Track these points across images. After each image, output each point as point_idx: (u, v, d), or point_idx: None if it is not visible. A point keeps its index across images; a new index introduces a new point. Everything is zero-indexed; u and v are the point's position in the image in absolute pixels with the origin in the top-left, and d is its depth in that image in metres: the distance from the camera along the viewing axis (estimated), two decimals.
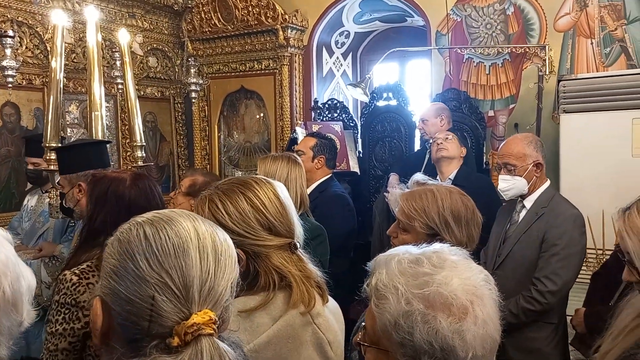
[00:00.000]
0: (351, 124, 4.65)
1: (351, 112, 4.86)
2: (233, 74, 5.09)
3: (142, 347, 0.75)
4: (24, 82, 4.05)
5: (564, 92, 3.58)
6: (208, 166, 5.31)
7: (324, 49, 5.04)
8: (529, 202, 2.50)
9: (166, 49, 5.27)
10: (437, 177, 3.11)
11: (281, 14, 4.63)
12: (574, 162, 3.44)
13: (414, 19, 4.81)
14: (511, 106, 4.16)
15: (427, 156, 3.57)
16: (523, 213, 2.52)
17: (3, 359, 0.94)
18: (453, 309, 0.86)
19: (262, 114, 5.10)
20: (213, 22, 5.01)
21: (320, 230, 2.65)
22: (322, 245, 2.62)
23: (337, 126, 4.32)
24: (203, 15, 5.05)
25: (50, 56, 4.15)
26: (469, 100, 4.14)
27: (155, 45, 5.15)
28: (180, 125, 5.50)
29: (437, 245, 0.98)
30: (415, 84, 5.18)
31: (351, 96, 5.22)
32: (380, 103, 4.43)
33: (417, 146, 4.23)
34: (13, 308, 0.94)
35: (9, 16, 3.96)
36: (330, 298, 1.42)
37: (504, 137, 4.05)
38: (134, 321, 0.76)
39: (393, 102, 4.39)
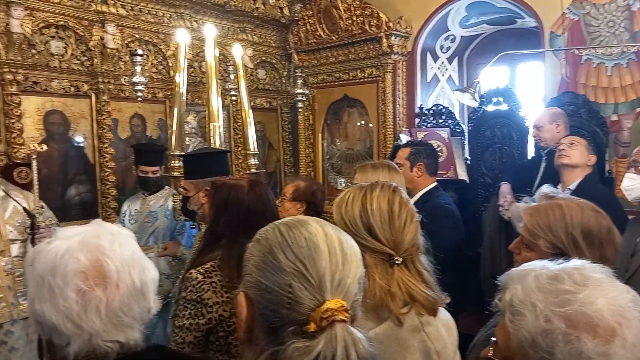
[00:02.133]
0: (458, 130, 4.53)
1: (457, 117, 4.73)
2: (337, 83, 5.19)
3: (281, 335, 0.81)
4: (149, 96, 4.44)
5: None
6: (312, 173, 5.45)
7: (428, 54, 4.97)
8: None
9: (274, 61, 5.51)
10: (558, 187, 2.92)
11: (385, 21, 4.64)
12: None
13: (525, 20, 4.59)
14: (637, 110, 3.81)
15: (543, 164, 3.37)
16: None
17: (137, 341, 1.06)
18: (599, 330, 0.81)
19: (364, 122, 5.14)
20: (318, 34, 5.15)
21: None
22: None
23: (444, 132, 4.22)
24: (309, 27, 5.21)
25: (173, 71, 4.54)
26: (588, 103, 3.85)
27: (264, 58, 5.41)
28: (287, 134, 5.71)
29: (577, 262, 0.92)
30: (527, 88, 4.93)
31: (457, 101, 5.09)
32: (490, 108, 4.26)
33: (530, 153, 4.01)
34: (142, 296, 1.06)
35: (137, 36, 4.37)
36: (445, 312, 1.41)
37: (629, 144, 3.72)
38: (274, 309, 0.82)
39: (503, 107, 4.20)
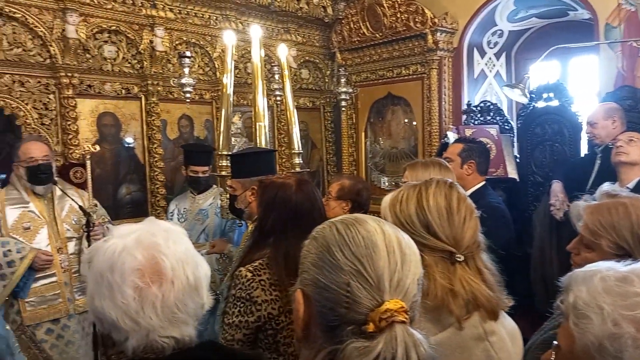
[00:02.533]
0: (506, 127, 4.41)
1: (506, 114, 4.60)
2: (380, 81, 5.15)
3: (338, 334, 0.80)
4: (197, 97, 4.53)
5: None
6: (355, 172, 5.43)
7: (475, 50, 4.86)
8: None
9: (317, 60, 5.52)
10: (615, 185, 2.79)
11: (430, 17, 4.57)
12: None
13: (578, 12, 4.41)
14: None
15: (598, 162, 3.23)
16: None
17: (191, 337, 1.07)
18: None
19: (408, 120, 5.08)
20: (362, 32, 5.13)
21: None
22: None
23: (493, 130, 4.10)
24: (352, 26, 5.19)
25: (219, 73, 4.62)
26: None
27: (307, 58, 5.43)
28: (329, 133, 5.71)
29: None
30: (579, 83, 4.74)
31: (505, 98, 4.95)
32: (540, 104, 4.12)
33: (583, 151, 3.85)
34: (196, 292, 1.08)
35: (184, 39, 4.47)
36: (509, 319, 1.34)
37: None
38: (331, 307, 0.81)
39: (554, 103, 4.06)
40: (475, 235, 1.31)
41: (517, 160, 4.28)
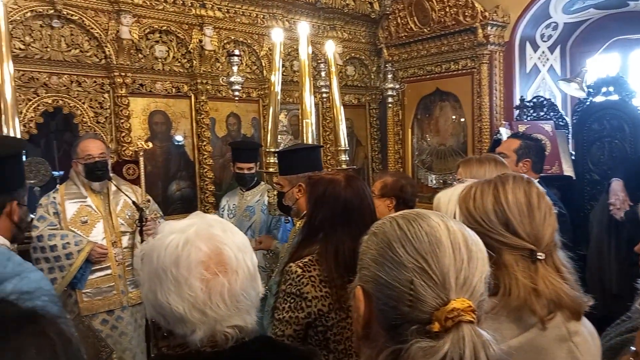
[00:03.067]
0: (561, 123, 4.23)
1: (560, 109, 4.42)
2: (428, 76, 5.06)
3: (401, 333, 0.77)
4: (244, 95, 4.58)
5: None
6: (401, 169, 5.35)
7: (527, 43, 4.69)
8: None
9: (363, 57, 5.48)
10: None
11: (480, 11, 4.45)
12: None
13: (639, 2, 4.18)
14: None
15: None
16: None
17: (254, 325, 1.08)
18: None
19: (457, 116, 4.96)
20: (409, 27, 5.05)
21: None
22: None
23: (548, 125, 3.95)
24: (399, 21, 5.12)
25: (266, 71, 4.66)
26: None
27: (353, 54, 5.40)
28: (375, 130, 5.66)
29: None
30: None
31: (560, 93, 4.76)
32: (598, 98, 3.93)
33: None
34: (255, 280, 1.09)
35: (232, 37, 4.53)
36: (587, 320, 1.27)
37: None
38: (394, 306, 0.79)
39: (614, 97, 3.86)
40: (554, 233, 1.25)
41: (573, 157, 4.10)
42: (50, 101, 3.67)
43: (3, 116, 2.23)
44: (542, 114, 4.31)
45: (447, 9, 4.67)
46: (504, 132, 3.86)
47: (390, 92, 4.47)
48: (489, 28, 4.44)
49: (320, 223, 1.92)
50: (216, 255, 1.04)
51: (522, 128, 3.84)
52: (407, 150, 5.36)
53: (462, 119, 4.87)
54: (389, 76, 4.50)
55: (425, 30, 4.92)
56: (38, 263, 2.86)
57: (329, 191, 1.94)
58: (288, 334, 1.83)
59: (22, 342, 0.46)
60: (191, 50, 4.26)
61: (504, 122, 4.29)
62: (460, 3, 4.57)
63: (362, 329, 0.86)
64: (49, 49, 3.64)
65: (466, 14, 4.53)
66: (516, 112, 4.52)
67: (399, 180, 2.81)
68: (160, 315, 1.05)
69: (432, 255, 0.79)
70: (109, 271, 3.11)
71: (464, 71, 4.73)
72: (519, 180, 1.29)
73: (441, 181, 5.04)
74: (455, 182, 2.26)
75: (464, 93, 4.75)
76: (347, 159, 3.48)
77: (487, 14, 4.42)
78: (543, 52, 4.84)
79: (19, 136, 2.31)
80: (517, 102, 4.56)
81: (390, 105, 5.05)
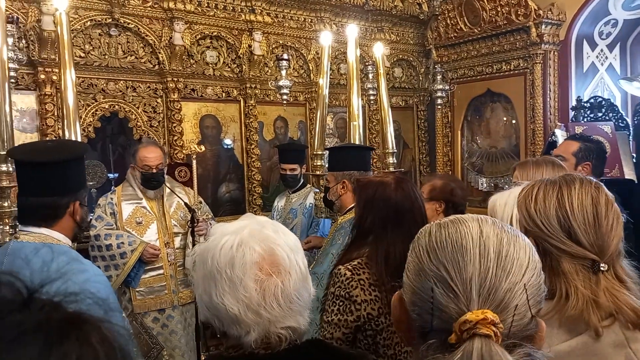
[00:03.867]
0: (621, 124, 4.04)
1: (620, 110, 4.22)
2: (479, 77, 4.94)
3: (430, 343, 0.75)
4: (291, 99, 4.62)
5: None
6: (450, 172, 5.25)
7: (584, 41, 4.51)
8: None
9: (411, 58, 5.42)
10: None
11: (534, 9, 4.31)
12: None
13: None
14: None
15: None
16: None
17: (306, 326, 1.08)
18: None
19: (509, 117, 4.82)
20: (459, 27, 4.96)
21: None
22: None
23: (607, 127, 3.77)
24: (449, 22, 5.04)
25: (313, 75, 4.69)
26: None
27: (400, 56, 5.35)
28: (423, 132, 5.58)
29: None
30: None
31: (619, 92, 4.54)
32: None
33: None
34: (307, 281, 1.10)
35: (281, 42, 4.58)
36: None
37: None
38: (419, 313, 0.77)
39: None
40: (620, 243, 1.17)
41: (634, 160, 3.90)
42: (107, 106, 3.82)
43: (65, 120, 2.34)
44: (600, 114, 4.13)
45: (499, 9, 4.56)
46: (560, 134, 3.71)
47: (439, 94, 4.40)
48: (543, 27, 4.30)
49: (370, 225, 1.90)
50: (270, 256, 1.05)
51: (579, 129, 3.68)
52: (457, 152, 5.25)
53: (514, 121, 4.73)
54: (439, 77, 4.44)
55: (475, 30, 4.81)
56: (95, 261, 2.98)
57: (379, 193, 1.92)
58: (337, 336, 1.82)
59: (64, 352, 0.46)
60: (241, 55, 4.33)
61: (559, 124, 4.13)
62: (512, 2, 4.45)
63: (403, 334, 0.85)
64: (106, 56, 3.79)
65: (519, 12, 4.41)
66: (572, 113, 4.35)
67: (449, 183, 2.75)
68: (215, 316, 1.06)
69: (453, 263, 0.75)
70: (161, 271, 3.19)
71: (516, 71, 4.60)
72: (587, 184, 1.20)
73: (492, 184, 4.91)
74: (510, 186, 2.19)
75: (516, 94, 4.62)
76: (395, 161, 3.45)
77: (541, 12, 4.28)
78: (601, 50, 4.64)
79: (79, 140, 2.41)
80: (573, 102, 4.39)
81: (439, 106, 4.97)
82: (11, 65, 2.59)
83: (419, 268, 0.78)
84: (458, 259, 0.75)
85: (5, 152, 2.01)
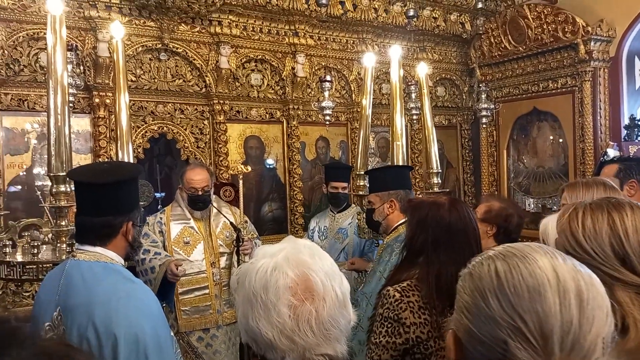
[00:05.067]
0: None
1: None
2: (524, 95, 4.85)
3: None
4: (333, 119, 4.64)
5: None
6: (495, 192, 5.14)
7: (636, 58, 4.37)
8: None
9: (454, 77, 5.38)
10: None
11: (582, 26, 4.21)
12: None
13: None
14: None
15: None
16: None
17: (344, 354, 1.04)
18: None
19: (557, 136, 4.70)
20: (503, 46, 4.90)
21: None
22: None
23: None
24: (492, 40, 4.99)
25: (355, 95, 4.71)
26: None
27: (443, 75, 5.32)
28: (467, 151, 5.50)
29: None
30: None
31: None
32: None
33: None
34: (344, 308, 1.05)
35: (323, 64, 4.64)
36: None
37: None
38: None
39: None
40: None
41: None
42: (156, 128, 3.95)
43: (119, 142, 2.43)
44: None
45: (545, 26, 4.48)
46: (612, 153, 3.59)
47: (484, 113, 4.34)
48: (592, 43, 4.19)
49: (421, 246, 1.87)
50: (303, 281, 1.02)
51: (632, 149, 3.54)
52: (502, 172, 5.14)
53: (561, 140, 4.60)
54: (483, 96, 4.38)
55: (520, 48, 4.74)
56: (138, 276, 3.02)
57: (432, 214, 1.89)
58: (384, 359, 1.79)
59: None
60: (284, 78, 4.41)
61: (611, 143, 3.99)
62: (559, 19, 4.36)
63: None
64: (156, 80, 3.93)
65: (566, 30, 4.32)
66: (625, 131, 4.20)
67: (506, 208, 2.66)
68: (252, 339, 1.04)
69: (531, 314, 0.68)
70: (206, 291, 3.22)
71: (564, 89, 4.49)
72: (637, 208, 1.15)
73: (540, 205, 4.76)
74: (559, 207, 2.12)
75: (564, 112, 4.50)
76: (439, 181, 3.40)
77: (589, 28, 4.18)
78: None
79: (131, 160, 2.49)
80: (625, 120, 4.24)
81: (484, 125, 4.90)
82: (70, 90, 2.72)
83: (487, 315, 0.71)
84: (537, 309, 0.69)
85: (64, 173, 2.09)
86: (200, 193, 3.15)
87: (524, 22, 4.64)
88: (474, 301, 0.74)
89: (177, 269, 2.94)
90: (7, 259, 2.14)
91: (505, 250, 0.78)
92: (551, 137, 4.75)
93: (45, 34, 3.13)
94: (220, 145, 4.12)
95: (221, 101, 4.11)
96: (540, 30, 4.52)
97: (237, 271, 1.15)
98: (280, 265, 1.04)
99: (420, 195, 3.72)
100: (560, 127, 4.60)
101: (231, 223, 3.16)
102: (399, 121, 3.23)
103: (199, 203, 3.18)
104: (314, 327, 1.00)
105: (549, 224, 1.73)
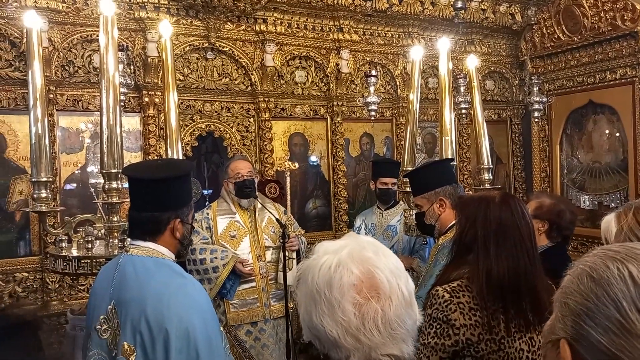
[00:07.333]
0: None
1: None
2: (579, 88, 4.64)
3: None
4: (377, 115, 4.59)
5: None
6: (548, 189, 4.95)
7: None
8: None
9: (503, 70, 5.21)
10: None
11: None
12: None
13: None
14: None
15: None
16: None
17: (411, 355, 1.00)
18: None
19: (615, 130, 4.46)
20: (556, 36, 4.70)
21: None
22: None
23: None
24: (545, 31, 4.80)
25: (400, 90, 4.64)
26: None
27: (492, 68, 5.16)
28: (517, 146, 5.32)
29: None
30: None
31: None
32: None
33: None
34: (410, 307, 1.01)
35: (368, 59, 4.59)
36: None
37: None
38: None
39: None
40: None
41: None
42: (203, 126, 4.01)
43: (168, 140, 2.47)
44: None
45: (602, 14, 4.26)
46: None
47: (536, 106, 4.18)
48: None
49: (471, 241, 1.81)
50: (368, 279, 0.99)
51: None
52: (555, 168, 4.94)
53: (618, 134, 4.37)
54: (535, 89, 4.22)
55: (575, 38, 4.53)
56: (192, 274, 3.09)
57: (483, 210, 1.83)
58: None
59: None
60: (328, 74, 4.39)
61: None
62: (617, 6, 4.14)
63: None
64: (203, 79, 4.00)
65: (625, 17, 4.09)
66: None
67: (558, 204, 2.56)
68: (316, 337, 1.02)
69: None
70: (253, 284, 3.26)
71: (623, 80, 4.26)
72: None
73: (596, 202, 4.55)
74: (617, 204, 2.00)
75: (623, 104, 4.27)
76: (490, 177, 3.29)
77: None
78: None
79: (181, 158, 2.54)
80: None
81: (536, 119, 4.72)
82: (121, 89, 2.79)
83: (625, 329, 0.63)
84: None
85: (116, 170, 2.14)
86: (246, 177, 3.18)
87: (579, 10, 4.43)
88: (602, 310, 0.65)
89: (242, 266, 3.12)
90: (64, 254, 2.23)
91: (628, 250, 0.69)
92: (607, 131, 4.52)
93: (97, 35, 3.25)
94: (265, 143, 4.15)
95: (266, 99, 4.13)
96: (597, 18, 4.30)
97: (298, 268, 1.12)
98: (345, 262, 1.01)
99: (470, 192, 3.63)
100: (619, 120, 4.37)
101: (277, 219, 3.18)
102: (448, 116, 3.14)
103: (245, 189, 3.20)
104: (380, 326, 0.98)
105: (612, 222, 1.64)
